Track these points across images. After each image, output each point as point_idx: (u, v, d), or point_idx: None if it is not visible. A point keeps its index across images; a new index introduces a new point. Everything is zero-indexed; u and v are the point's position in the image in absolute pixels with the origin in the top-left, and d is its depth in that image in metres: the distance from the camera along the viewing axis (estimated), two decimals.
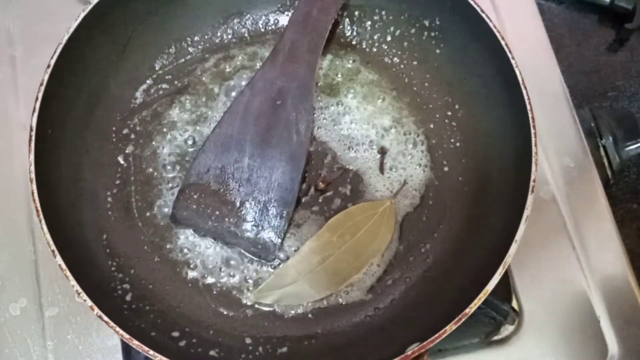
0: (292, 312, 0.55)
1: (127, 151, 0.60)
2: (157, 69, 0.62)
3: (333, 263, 0.55)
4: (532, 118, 0.52)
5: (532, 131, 0.52)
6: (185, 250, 0.57)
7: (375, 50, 0.64)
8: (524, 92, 0.53)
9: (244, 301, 0.56)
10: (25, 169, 0.49)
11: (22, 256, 0.59)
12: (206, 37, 0.64)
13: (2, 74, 0.65)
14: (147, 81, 0.62)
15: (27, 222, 0.60)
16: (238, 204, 0.56)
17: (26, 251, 0.59)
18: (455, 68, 0.61)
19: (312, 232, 0.57)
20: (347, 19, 0.64)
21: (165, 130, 0.61)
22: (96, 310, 0.46)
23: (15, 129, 0.62)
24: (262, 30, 0.65)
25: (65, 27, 0.53)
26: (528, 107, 0.52)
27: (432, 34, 0.61)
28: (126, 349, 0.56)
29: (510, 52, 0.54)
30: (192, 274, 0.56)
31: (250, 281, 0.56)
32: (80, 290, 0.47)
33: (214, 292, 0.56)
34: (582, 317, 0.60)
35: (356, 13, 0.64)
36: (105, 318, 0.46)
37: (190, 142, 0.60)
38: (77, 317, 0.57)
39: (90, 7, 0.54)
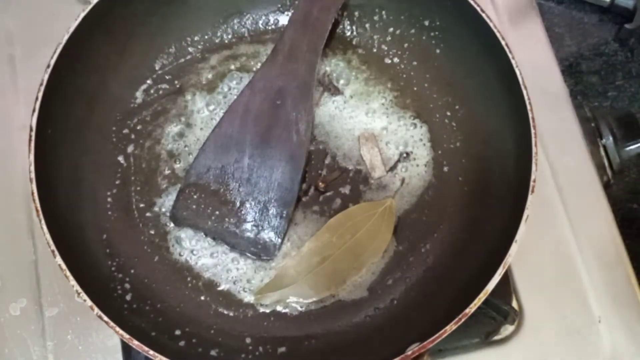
0: (292, 312, 0.55)
1: (127, 151, 0.60)
2: (157, 69, 0.62)
3: (333, 263, 0.55)
4: (532, 118, 0.52)
5: (532, 131, 0.52)
6: (186, 251, 0.57)
7: (375, 50, 0.64)
8: (524, 92, 0.53)
9: (244, 301, 0.56)
10: (25, 169, 0.49)
11: (22, 256, 0.59)
12: (206, 37, 0.64)
13: (2, 74, 0.65)
14: (147, 81, 0.62)
15: (27, 222, 0.60)
16: (238, 204, 0.56)
17: (26, 251, 0.59)
18: (455, 68, 0.61)
19: (312, 232, 0.57)
20: (347, 19, 0.64)
21: (165, 130, 0.61)
22: (96, 310, 0.46)
23: (15, 129, 0.62)
24: (262, 29, 0.65)
25: (65, 27, 0.53)
26: (528, 107, 0.52)
27: (432, 34, 0.61)
28: (126, 348, 0.56)
29: (510, 52, 0.54)
30: (192, 274, 0.56)
31: (251, 281, 0.56)
32: (80, 290, 0.47)
33: (214, 292, 0.56)
34: (582, 317, 0.60)
35: (356, 13, 0.64)
36: (105, 318, 0.46)
37: (190, 142, 0.60)
38: (77, 317, 0.57)
39: (90, 7, 0.54)
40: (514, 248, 0.48)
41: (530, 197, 0.50)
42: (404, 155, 0.61)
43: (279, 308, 0.55)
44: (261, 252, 0.56)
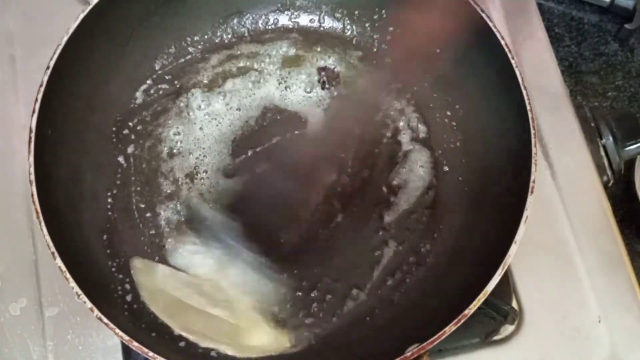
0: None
1: (127, 151, 0.60)
2: (157, 69, 0.62)
3: None
4: (532, 118, 0.52)
5: (532, 131, 0.52)
6: (186, 251, 0.57)
7: (375, 50, 0.64)
8: (524, 92, 0.53)
9: None
10: (25, 169, 0.49)
11: (22, 256, 0.59)
12: (206, 36, 0.64)
13: (2, 74, 0.65)
14: (147, 81, 0.62)
15: (27, 222, 0.60)
16: None
17: (26, 251, 0.59)
18: (455, 68, 0.61)
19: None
20: (347, 19, 0.64)
21: (165, 130, 0.61)
22: (96, 312, 0.46)
23: (15, 129, 0.62)
24: (262, 29, 0.65)
25: (65, 27, 0.53)
26: (528, 107, 0.52)
27: None
28: (126, 349, 0.56)
29: (510, 52, 0.54)
30: (192, 275, 0.56)
31: None
32: (80, 292, 0.46)
33: None
34: (582, 317, 0.60)
35: (356, 13, 0.64)
36: (105, 320, 0.46)
37: (190, 142, 0.60)
38: (77, 317, 0.57)
39: (90, 7, 0.54)
40: (513, 248, 0.48)
41: (530, 198, 0.50)
42: (404, 154, 0.61)
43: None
44: None
